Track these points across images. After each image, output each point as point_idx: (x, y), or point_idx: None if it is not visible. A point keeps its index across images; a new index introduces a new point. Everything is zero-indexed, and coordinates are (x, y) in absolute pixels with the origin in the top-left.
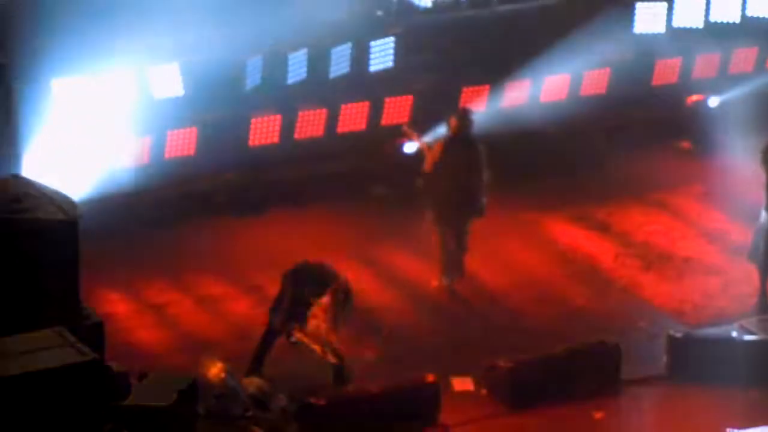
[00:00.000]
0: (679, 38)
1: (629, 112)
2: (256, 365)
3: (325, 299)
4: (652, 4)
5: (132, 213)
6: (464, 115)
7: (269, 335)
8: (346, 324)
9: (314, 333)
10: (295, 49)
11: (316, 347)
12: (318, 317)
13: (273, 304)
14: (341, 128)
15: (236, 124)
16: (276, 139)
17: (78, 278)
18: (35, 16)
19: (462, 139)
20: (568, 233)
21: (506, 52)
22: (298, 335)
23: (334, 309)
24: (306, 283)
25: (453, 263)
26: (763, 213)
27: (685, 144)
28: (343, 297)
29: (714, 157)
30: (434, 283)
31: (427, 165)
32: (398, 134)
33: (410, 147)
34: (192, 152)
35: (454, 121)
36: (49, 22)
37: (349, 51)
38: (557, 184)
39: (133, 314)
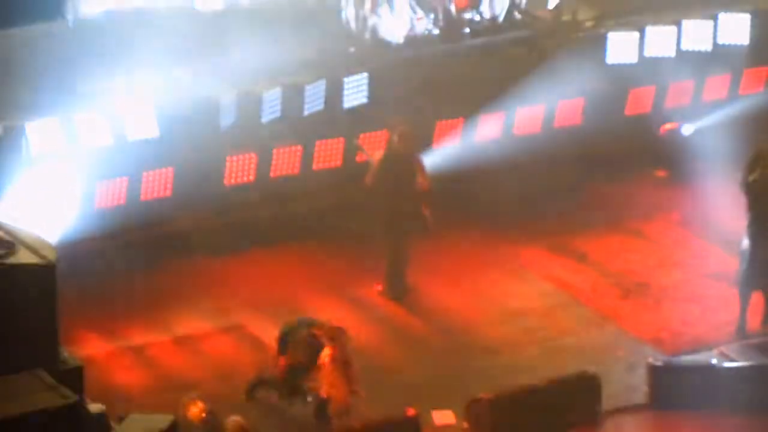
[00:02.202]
0: (652, 67)
1: (604, 142)
2: (251, 393)
3: (326, 356)
4: (624, 33)
5: (109, 255)
6: (404, 129)
7: (266, 383)
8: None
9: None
10: (269, 87)
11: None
12: (328, 377)
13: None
14: (317, 165)
15: (212, 164)
16: (252, 178)
17: (57, 321)
18: (7, 59)
19: (401, 153)
20: (545, 263)
21: (480, 86)
22: (309, 387)
23: (341, 360)
24: (299, 353)
25: (395, 278)
26: (744, 239)
27: (660, 172)
28: (343, 343)
29: (689, 184)
30: (378, 288)
31: (368, 178)
32: (355, 149)
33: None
34: (168, 193)
35: (395, 134)
36: (22, 64)
37: (323, 88)
38: (533, 215)
39: (112, 356)
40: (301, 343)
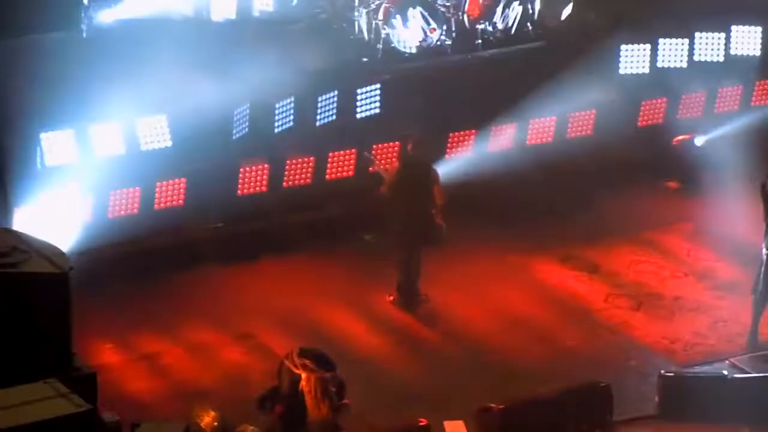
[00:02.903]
0: (664, 78)
1: (616, 153)
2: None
3: (303, 383)
4: (636, 45)
5: (122, 264)
6: (420, 140)
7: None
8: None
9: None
10: (282, 97)
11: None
12: (310, 402)
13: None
14: (330, 175)
15: (225, 174)
16: (264, 188)
17: (70, 330)
18: (23, 70)
19: (416, 164)
20: (557, 274)
21: (492, 96)
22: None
23: (316, 382)
24: (284, 388)
25: (407, 287)
26: (764, 248)
27: (673, 183)
28: (313, 366)
29: (702, 195)
30: (389, 298)
31: (383, 188)
32: (365, 160)
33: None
34: (181, 202)
35: (410, 144)
36: (37, 75)
37: (336, 98)
38: (545, 227)
39: (125, 364)
40: (283, 379)
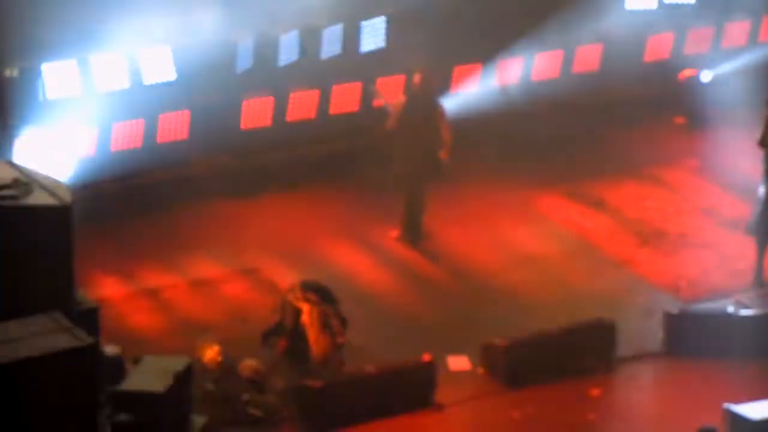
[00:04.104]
0: (671, 13)
1: (622, 89)
2: (266, 339)
3: (305, 317)
4: None
5: (125, 197)
6: (427, 74)
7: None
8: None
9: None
10: (287, 30)
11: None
12: (311, 336)
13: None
14: (334, 109)
15: (228, 107)
16: (268, 122)
17: (72, 263)
18: (24, 1)
19: (423, 98)
20: (562, 210)
21: (498, 30)
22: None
23: (318, 317)
24: (287, 320)
25: (412, 223)
26: (762, 187)
27: (679, 119)
28: (317, 300)
29: (707, 131)
30: (393, 234)
31: (390, 122)
32: (371, 94)
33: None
34: (184, 136)
35: (417, 78)
36: (39, 6)
37: (341, 31)
38: (550, 162)
39: (128, 298)
40: (286, 313)
